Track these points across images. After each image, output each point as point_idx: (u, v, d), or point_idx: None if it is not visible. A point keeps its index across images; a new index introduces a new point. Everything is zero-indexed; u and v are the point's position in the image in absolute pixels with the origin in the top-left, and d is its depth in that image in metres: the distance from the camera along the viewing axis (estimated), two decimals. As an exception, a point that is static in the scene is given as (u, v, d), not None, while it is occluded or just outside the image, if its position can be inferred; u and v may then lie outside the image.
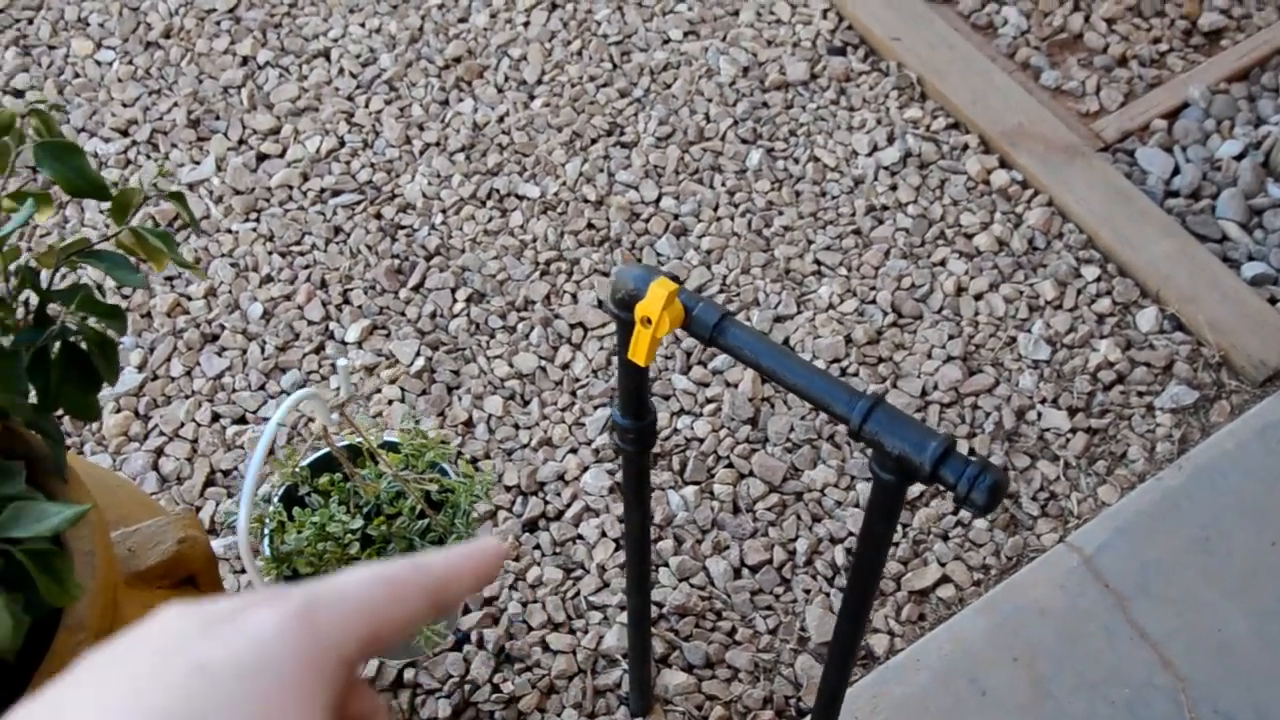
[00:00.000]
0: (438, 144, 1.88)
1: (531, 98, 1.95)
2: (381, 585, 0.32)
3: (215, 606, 0.30)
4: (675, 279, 0.81)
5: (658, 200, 1.83)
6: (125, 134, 1.88)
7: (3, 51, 1.98)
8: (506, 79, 1.98)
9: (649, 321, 0.79)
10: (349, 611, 0.30)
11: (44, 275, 0.83)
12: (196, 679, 0.27)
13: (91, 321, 0.81)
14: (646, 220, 1.81)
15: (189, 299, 1.70)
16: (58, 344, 0.79)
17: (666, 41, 2.05)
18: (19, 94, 1.93)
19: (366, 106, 1.92)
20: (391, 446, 1.19)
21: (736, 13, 2.10)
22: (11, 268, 0.79)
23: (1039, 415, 1.62)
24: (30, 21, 2.02)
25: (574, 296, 1.72)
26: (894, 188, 1.86)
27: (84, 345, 0.81)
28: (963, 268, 1.77)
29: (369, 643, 0.31)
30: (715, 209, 1.83)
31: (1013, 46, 2.09)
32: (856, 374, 1.65)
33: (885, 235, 1.81)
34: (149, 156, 1.85)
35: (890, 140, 1.92)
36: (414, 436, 1.13)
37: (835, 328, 1.70)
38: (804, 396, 0.75)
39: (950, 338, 1.69)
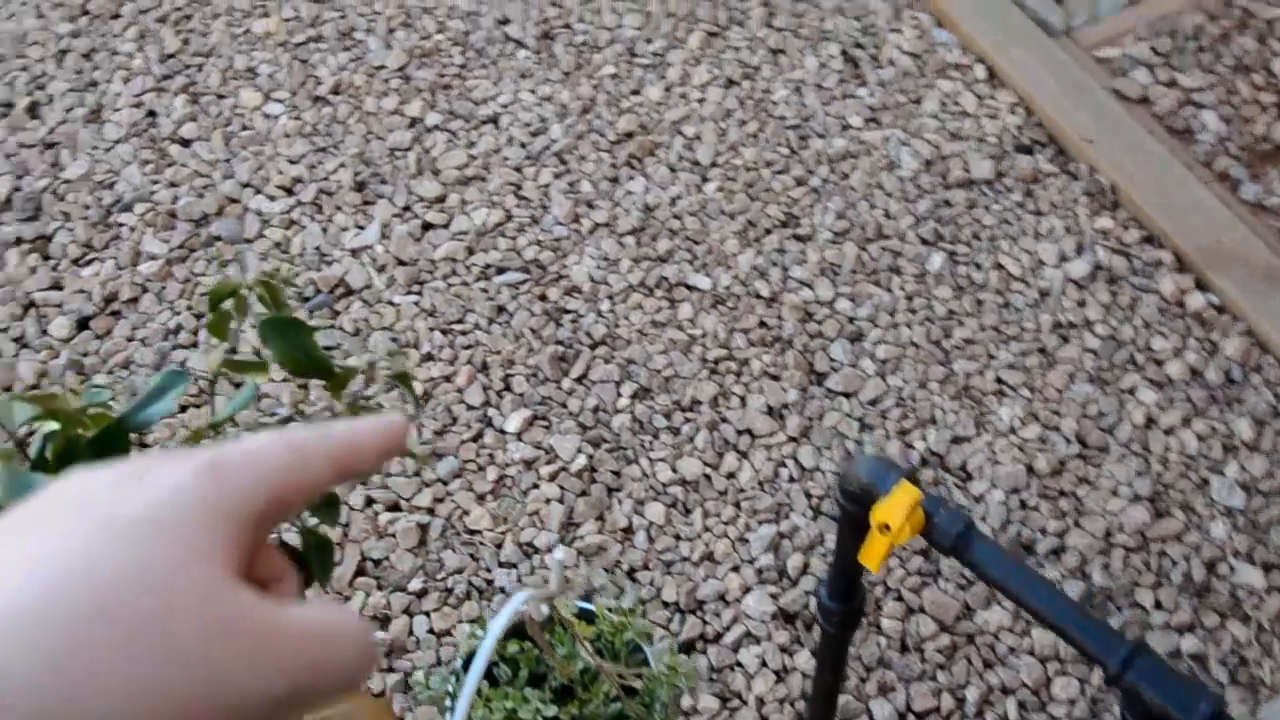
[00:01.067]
0: (607, 224, 1.95)
1: (705, 180, 2.02)
2: (288, 448, 0.34)
3: (125, 465, 0.32)
4: (914, 479, 0.85)
5: (833, 301, 1.88)
6: (290, 192, 1.98)
7: (172, 98, 2.09)
8: (680, 158, 2.04)
9: (887, 528, 0.83)
10: (255, 470, 0.33)
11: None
12: (108, 529, 0.29)
13: (307, 516, 0.80)
14: (820, 322, 1.85)
15: (349, 373, 1.79)
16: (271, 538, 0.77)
17: (846, 128, 2.10)
18: (185, 143, 2.04)
19: (535, 179, 2.00)
20: (587, 614, 1.24)
21: (919, 100, 2.14)
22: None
23: (1231, 569, 1.64)
24: (200, 68, 2.14)
25: (742, 400, 1.77)
26: (1082, 304, 1.89)
27: (299, 542, 0.79)
28: (1153, 398, 1.79)
29: (274, 504, 0.33)
30: (893, 314, 1.87)
31: (1210, 154, 2.11)
32: (1036, 508, 1.68)
33: (1071, 355, 1.83)
34: (313, 218, 1.94)
35: (1079, 251, 1.95)
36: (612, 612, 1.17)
37: (1016, 455, 1.73)
38: (1054, 629, 0.78)
39: (1138, 474, 1.71)
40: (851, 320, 1.86)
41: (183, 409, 1.64)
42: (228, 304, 0.79)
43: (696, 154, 2.04)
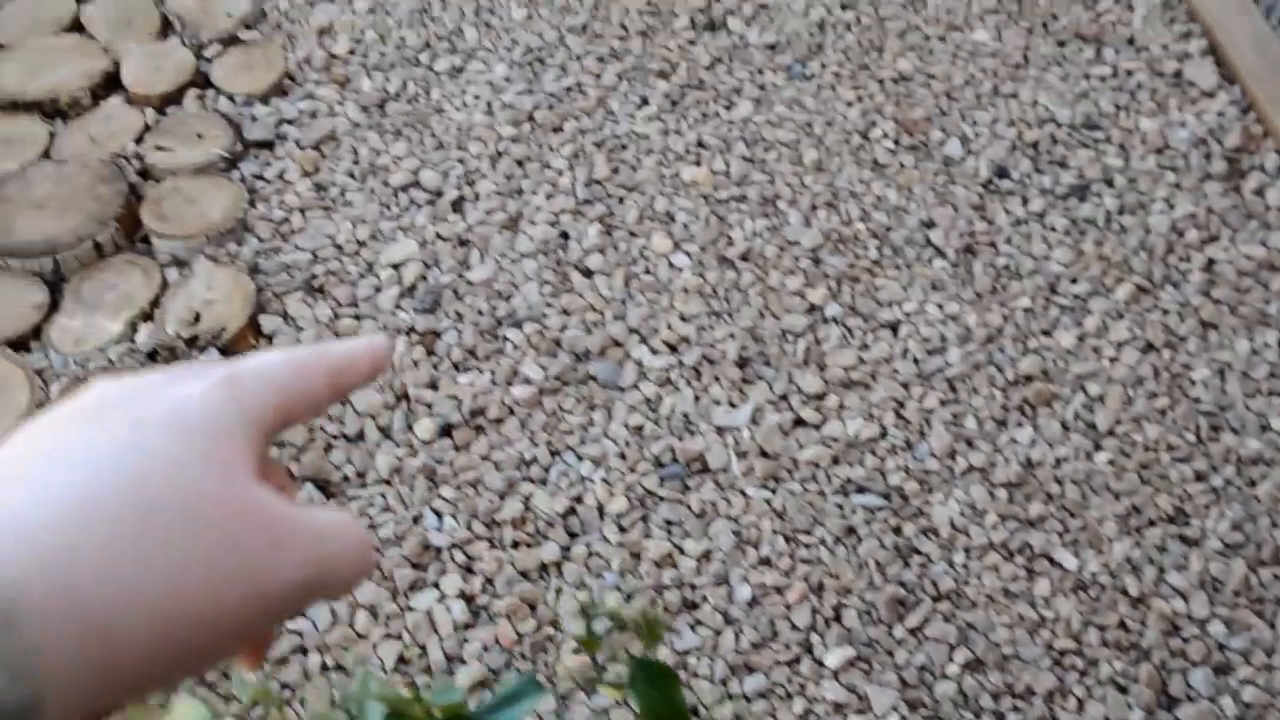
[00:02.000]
0: (982, 470, 1.96)
1: (1097, 448, 2.00)
2: (292, 365, 0.40)
3: (143, 377, 0.36)
4: None
5: (1206, 621, 1.82)
6: (674, 350, 2.09)
7: (587, 225, 2.25)
8: (1076, 417, 2.03)
9: None
10: (265, 384, 0.38)
11: None
12: (138, 430, 0.33)
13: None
14: (1186, 640, 1.80)
15: (680, 551, 1.87)
16: None
17: (1265, 429, 2.03)
18: (588, 273, 2.19)
19: (920, 401, 2.03)
20: None
21: (1360, 419, 2.05)
22: None
23: None
24: (621, 201, 2.29)
25: (1080, 705, 1.74)
26: None
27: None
28: None
29: (281, 415, 0.38)
30: (1269, 655, 1.80)
31: None
32: None
33: None
34: (689, 383, 2.04)
35: None
36: None
37: None
38: None
39: None
40: (1221, 648, 1.80)
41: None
42: (602, 621, 0.85)
43: (1095, 417, 2.03)
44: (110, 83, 2.54)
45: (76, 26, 2.67)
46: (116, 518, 0.31)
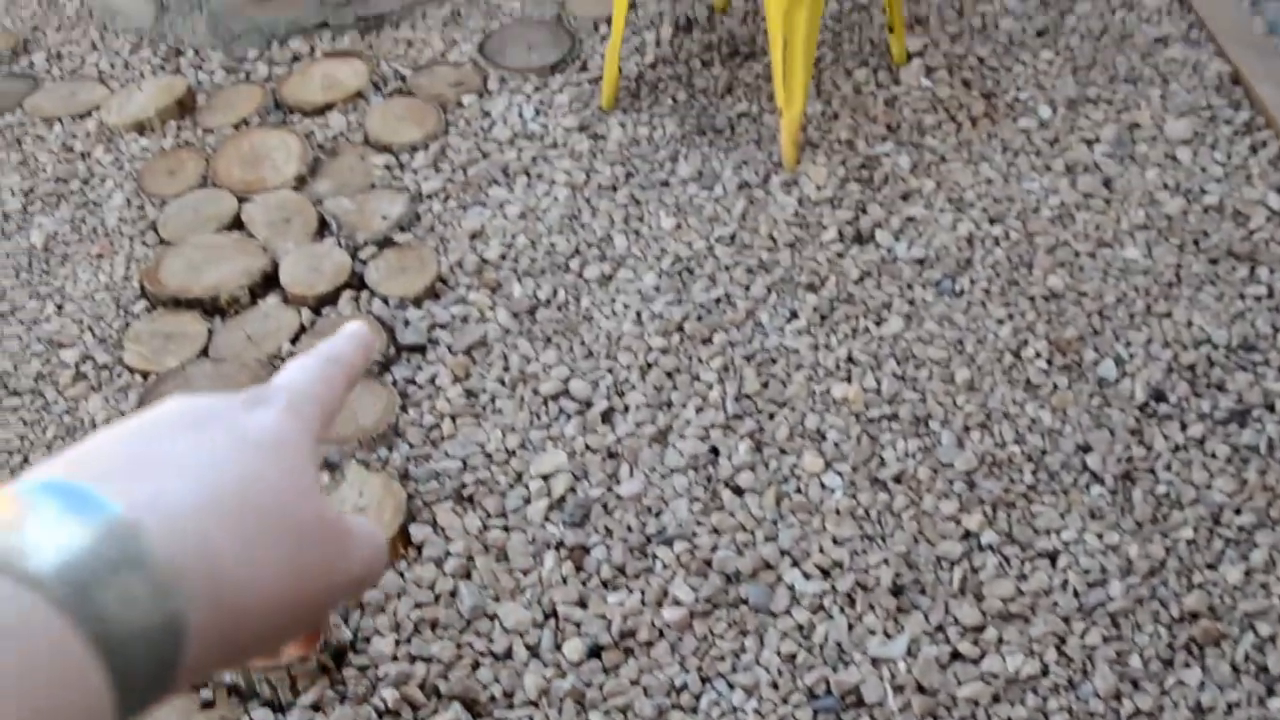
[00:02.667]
0: (1150, 715, 1.90)
1: (1270, 693, 1.93)
2: (324, 382, 0.47)
3: (216, 398, 0.42)
4: None
5: None
6: (827, 575, 2.07)
7: (737, 441, 2.26)
8: (1247, 659, 1.97)
9: None
10: (314, 405, 0.45)
11: None
12: (239, 449, 0.40)
13: None
14: None
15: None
16: None
17: None
18: (739, 491, 2.19)
19: (1081, 637, 1.99)
20: None
21: None
22: None
23: None
24: (771, 417, 2.30)
25: None
26: None
27: None
28: None
29: (324, 427, 0.46)
30: None
31: None
32: None
33: None
34: (843, 610, 2.02)
35: None
36: None
37: None
38: None
39: None
40: None
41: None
42: None
43: (1267, 659, 1.96)
44: (268, 281, 2.63)
45: (237, 224, 2.78)
46: (239, 517, 0.38)
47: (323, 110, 3.05)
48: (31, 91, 3.26)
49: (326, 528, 0.41)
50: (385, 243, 2.70)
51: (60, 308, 2.65)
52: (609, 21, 3.11)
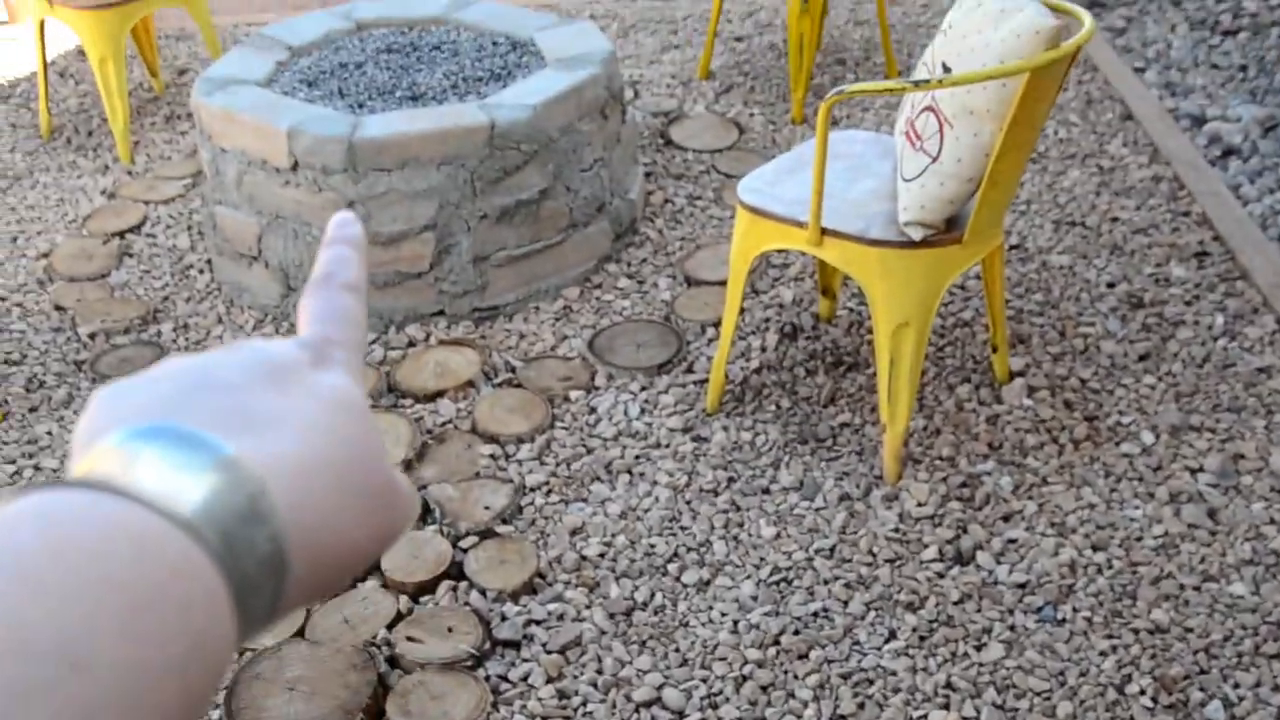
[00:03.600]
0: None
1: None
2: (359, 327, 0.51)
3: (283, 348, 0.47)
4: None
5: None
6: None
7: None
8: None
9: None
10: (360, 356, 0.50)
11: None
12: (318, 411, 0.43)
13: None
14: None
15: None
16: None
17: None
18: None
19: None
20: None
21: None
22: None
23: None
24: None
25: None
26: None
27: None
28: None
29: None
30: None
31: None
32: None
33: None
34: None
35: None
36: None
37: None
38: None
39: None
40: None
41: None
42: None
43: None
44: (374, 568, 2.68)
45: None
46: (332, 478, 0.42)
47: (434, 397, 3.16)
48: (156, 359, 3.40)
49: (392, 490, 0.45)
50: (486, 533, 2.75)
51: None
52: (716, 325, 3.23)
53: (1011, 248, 3.64)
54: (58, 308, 3.69)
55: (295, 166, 3.30)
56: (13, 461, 3.08)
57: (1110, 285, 3.47)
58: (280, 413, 0.42)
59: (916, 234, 2.59)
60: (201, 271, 3.81)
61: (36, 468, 3.06)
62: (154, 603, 0.33)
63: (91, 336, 3.54)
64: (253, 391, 0.43)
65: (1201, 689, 2.36)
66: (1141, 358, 3.20)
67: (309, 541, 0.40)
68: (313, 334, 0.50)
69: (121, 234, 4.06)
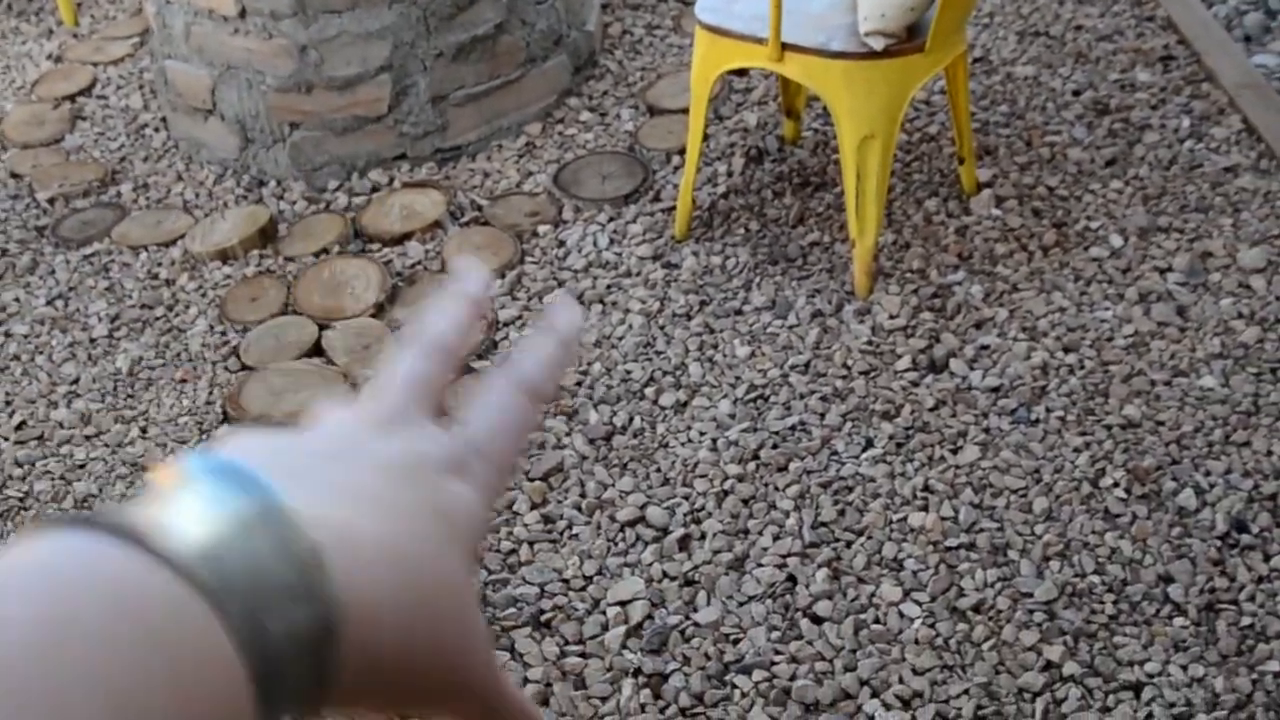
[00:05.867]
0: None
1: (1365, 834, 1.91)
2: (519, 446, 0.47)
3: (427, 451, 0.43)
4: None
5: None
6: (908, 706, 2.08)
7: (814, 569, 2.28)
8: (1339, 798, 1.95)
9: None
10: (504, 478, 0.46)
11: None
12: (424, 519, 0.40)
13: None
14: None
15: None
16: None
17: None
18: (817, 620, 2.22)
19: (1168, 774, 1.98)
20: None
21: None
22: None
23: None
24: (848, 545, 2.33)
25: None
26: None
27: None
28: None
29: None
30: None
31: None
32: None
33: None
34: (926, 745, 2.03)
35: None
36: None
37: None
38: None
39: None
40: None
41: None
42: None
43: (1361, 798, 1.95)
44: (348, 408, 2.70)
45: (318, 350, 2.87)
46: (412, 574, 0.38)
47: (401, 239, 3.15)
48: (119, 220, 3.39)
49: (473, 616, 0.42)
50: (463, 371, 2.76)
51: (145, 431, 2.73)
52: (681, 153, 3.21)
53: (975, 60, 3.62)
54: (13, 175, 3.65)
55: (243, 14, 3.24)
56: (-19, 327, 3.07)
57: (1076, 93, 3.46)
58: (386, 498, 0.39)
59: (878, 44, 2.57)
60: (157, 130, 3.77)
61: (6, 334, 3.06)
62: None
63: (51, 201, 3.51)
64: (366, 472, 0.40)
65: (1174, 479, 2.42)
66: (1108, 163, 3.20)
67: (366, 624, 0.35)
68: (465, 438, 0.45)
69: (72, 98, 4.00)
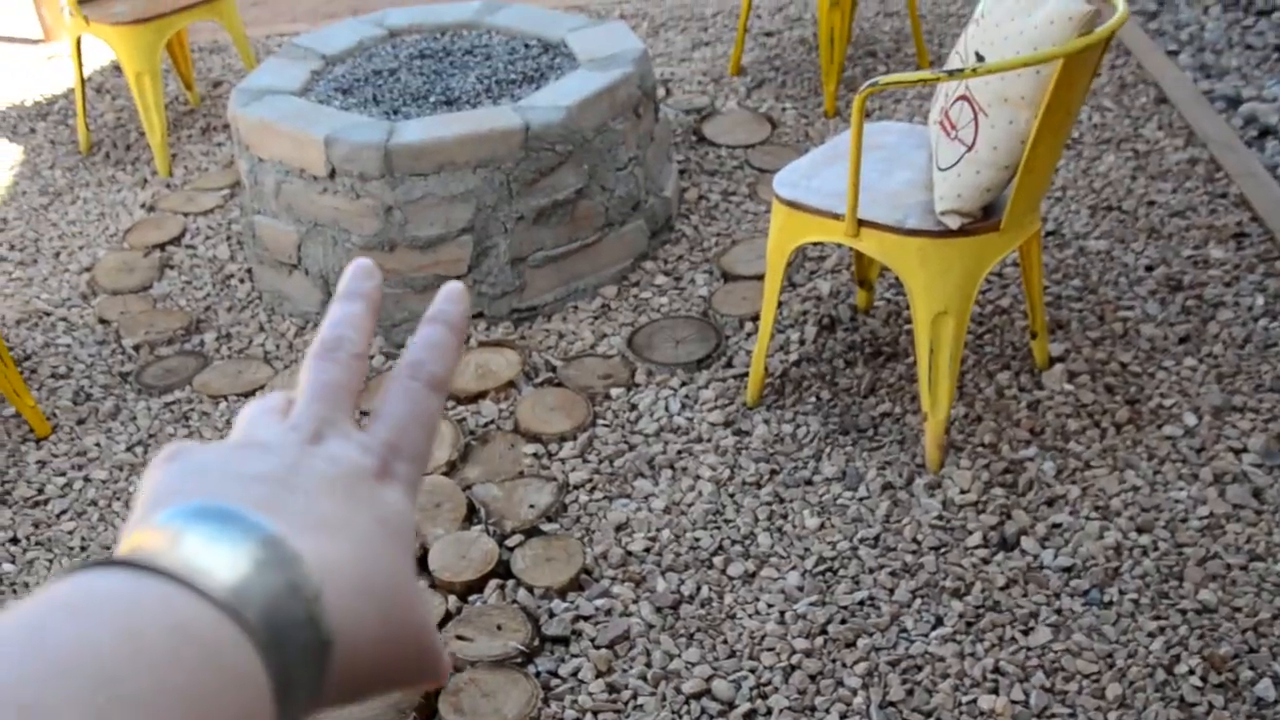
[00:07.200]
0: None
1: None
2: (430, 436, 0.50)
3: (355, 465, 0.47)
4: None
5: None
6: None
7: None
8: None
9: None
10: (423, 468, 0.49)
11: None
12: (373, 530, 0.45)
13: None
14: None
15: None
16: None
17: None
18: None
19: None
20: None
21: None
22: None
23: None
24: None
25: None
26: None
27: None
28: None
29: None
30: None
31: None
32: None
33: None
34: None
35: None
36: None
37: None
38: None
39: None
40: None
41: None
42: None
43: None
44: (418, 565, 2.72)
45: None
46: (377, 594, 0.43)
47: (476, 398, 3.21)
48: (201, 369, 3.48)
49: (423, 612, 0.46)
50: (532, 531, 2.79)
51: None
52: (754, 319, 3.25)
53: (1048, 234, 3.65)
54: (102, 321, 3.75)
55: (333, 174, 3.35)
56: (63, 473, 3.14)
57: (1149, 269, 3.48)
58: (336, 520, 0.44)
59: (954, 222, 2.61)
60: (242, 281, 3.87)
61: (86, 479, 3.12)
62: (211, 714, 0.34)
63: (136, 348, 3.60)
64: (319, 496, 0.44)
65: (1251, 667, 2.38)
66: (1182, 340, 3.20)
67: (348, 646, 0.41)
68: (383, 440, 0.49)
69: (162, 246, 4.12)
